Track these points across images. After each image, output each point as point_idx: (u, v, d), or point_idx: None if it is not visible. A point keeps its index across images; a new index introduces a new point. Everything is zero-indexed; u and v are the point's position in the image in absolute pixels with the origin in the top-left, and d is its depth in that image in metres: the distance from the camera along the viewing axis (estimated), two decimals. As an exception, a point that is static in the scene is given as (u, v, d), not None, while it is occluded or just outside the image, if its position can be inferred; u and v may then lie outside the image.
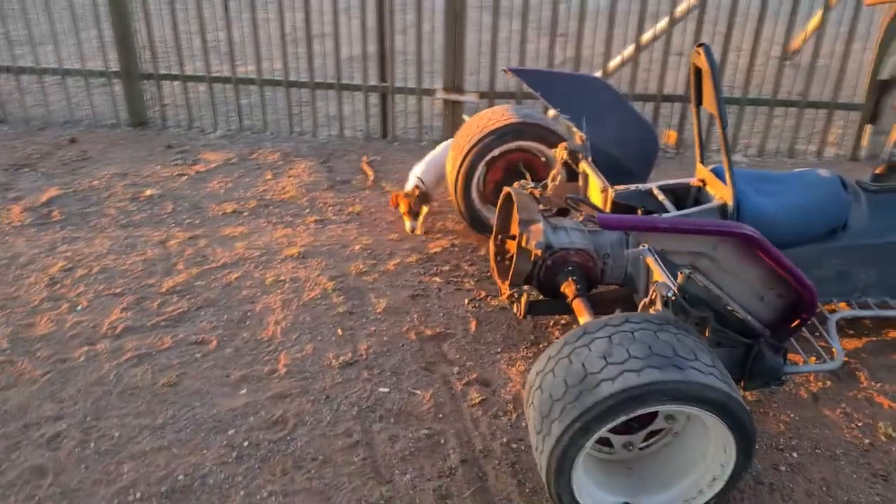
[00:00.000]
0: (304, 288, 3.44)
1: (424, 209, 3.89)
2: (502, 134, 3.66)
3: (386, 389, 2.79)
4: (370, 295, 3.41)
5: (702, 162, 3.03)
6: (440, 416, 2.66)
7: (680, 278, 2.24)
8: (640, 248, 2.69)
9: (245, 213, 4.25)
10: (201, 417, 2.63)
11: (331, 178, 4.78)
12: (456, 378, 2.86)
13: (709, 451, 2.12)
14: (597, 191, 3.16)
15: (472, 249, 3.85)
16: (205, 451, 2.47)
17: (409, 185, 3.89)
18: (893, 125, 3.33)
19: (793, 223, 2.82)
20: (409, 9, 5.70)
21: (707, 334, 2.27)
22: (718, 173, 2.88)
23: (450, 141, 4.17)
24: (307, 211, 4.29)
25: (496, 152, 3.71)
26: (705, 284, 2.20)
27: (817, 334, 2.79)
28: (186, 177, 4.77)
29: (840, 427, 2.63)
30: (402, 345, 3.05)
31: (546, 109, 5.07)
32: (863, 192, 3.00)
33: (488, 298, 3.39)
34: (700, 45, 2.67)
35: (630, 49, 5.41)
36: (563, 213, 3.56)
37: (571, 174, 3.44)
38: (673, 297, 2.25)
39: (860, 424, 2.64)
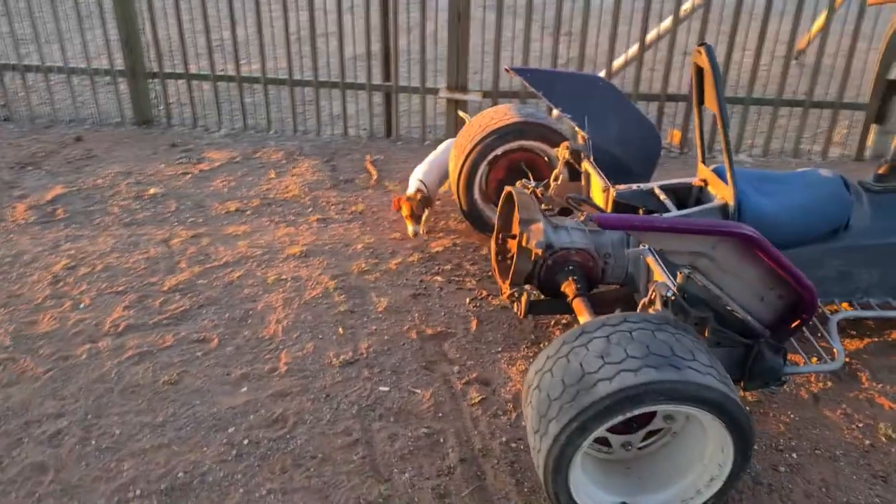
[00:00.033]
0: (306, 287, 3.45)
1: (427, 212, 3.88)
2: (504, 133, 3.66)
3: (386, 388, 2.79)
4: (371, 294, 3.41)
5: (704, 162, 3.02)
6: (440, 415, 2.66)
7: (679, 278, 2.24)
8: (641, 247, 2.68)
9: (248, 212, 4.26)
10: (202, 415, 2.64)
11: (334, 177, 4.79)
12: (456, 377, 2.86)
13: (706, 452, 2.12)
14: (598, 190, 3.15)
15: (475, 249, 3.85)
16: (205, 449, 2.48)
17: (411, 188, 3.87)
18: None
19: (795, 223, 2.81)
20: (414, 8, 5.71)
21: (707, 334, 2.26)
22: (720, 173, 2.87)
23: (450, 141, 4.17)
24: (310, 210, 4.30)
25: (499, 151, 3.71)
26: (705, 284, 2.20)
27: (819, 335, 2.78)
28: (190, 175, 4.78)
29: (840, 428, 2.62)
30: (403, 344, 3.06)
31: (550, 109, 5.06)
32: (865, 193, 2.98)
33: (490, 298, 3.39)
34: (701, 45, 2.67)
35: (635, 48, 5.40)
36: (565, 212, 3.56)
37: (574, 174, 3.44)
38: (672, 297, 2.25)
39: (861, 425, 2.63)
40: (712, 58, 2.62)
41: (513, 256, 2.92)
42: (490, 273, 3.58)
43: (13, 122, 5.76)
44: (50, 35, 7.20)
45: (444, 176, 4.01)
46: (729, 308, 2.24)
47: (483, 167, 3.75)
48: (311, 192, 4.55)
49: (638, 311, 2.47)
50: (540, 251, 2.77)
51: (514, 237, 2.96)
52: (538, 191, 3.30)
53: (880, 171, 3.02)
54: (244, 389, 2.77)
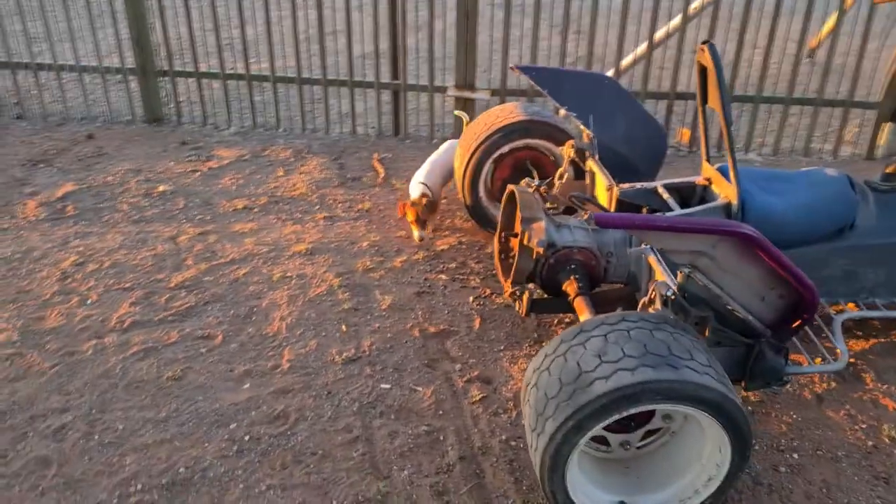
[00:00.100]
0: (311, 284, 3.47)
1: (432, 217, 3.84)
2: (510, 131, 3.66)
3: (387, 386, 2.80)
4: (376, 292, 3.42)
5: (708, 160, 3.01)
6: (440, 412, 2.67)
7: (680, 277, 2.23)
8: (643, 246, 2.68)
9: (255, 210, 4.28)
10: (204, 411, 2.66)
11: (341, 175, 4.81)
12: (457, 375, 2.87)
13: (704, 451, 2.12)
14: (603, 189, 3.14)
15: (479, 247, 3.85)
16: (206, 445, 2.50)
17: (415, 193, 3.82)
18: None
19: (800, 222, 2.79)
20: (422, 6, 5.71)
21: (707, 334, 2.26)
22: (724, 172, 2.86)
23: (451, 142, 4.16)
24: (317, 208, 4.32)
25: (504, 150, 3.71)
26: (705, 284, 2.19)
27: (823, 335, 2.76)
28: (199, 173, 4.81)
29: (843, 429, 2.60)
30: (406, 341, 3.07)
31: (557, 108, 5.05)
32: (871, 192, 2.96)
33: (493, 296, 3.40)
34: (705, 43, 2.65)
35: (643, 46, 5.37)
36: (570, 211, 3.55)
37: (579, 172, 3.43)
38: (672, 297, 2.24)
39: (864, 426, 2.61)
40: (716, 56, 2.61)
41: (515, 255, 2.92)
42: (495, 271, 3.58)
43: (26, 120, 5.82)
44: (62, 34, 7.26)
45: (448, 177, 4.00)
46: (729, 307, 2.23)
47: (488, 165, 3.75)
48: (318, 189, 4.57)
49: (638, 310, 2.47)
50: (541, 250, 2.76)
51: (516, 235, 2.95)
52: (542, 189, 3.30)
53: (888, 171, 2.99)
54: (247, 386, 2.79)
